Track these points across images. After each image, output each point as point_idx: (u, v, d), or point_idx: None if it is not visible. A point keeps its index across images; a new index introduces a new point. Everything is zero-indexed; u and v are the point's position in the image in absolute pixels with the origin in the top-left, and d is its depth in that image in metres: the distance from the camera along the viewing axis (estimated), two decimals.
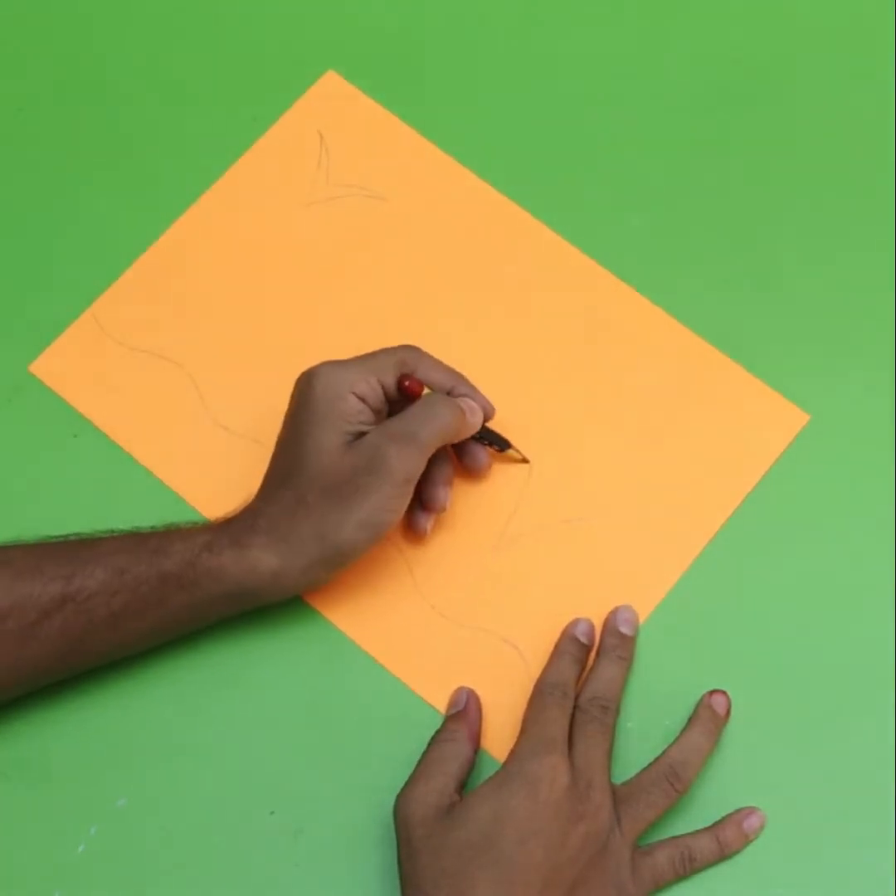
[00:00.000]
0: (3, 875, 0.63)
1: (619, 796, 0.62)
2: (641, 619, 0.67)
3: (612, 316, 0.72)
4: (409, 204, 0.75)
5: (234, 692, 0.66)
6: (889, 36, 0.78)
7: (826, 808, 0.64)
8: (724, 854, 0.63)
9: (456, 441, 0.65)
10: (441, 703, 0.66)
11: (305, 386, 0.64)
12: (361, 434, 0.63)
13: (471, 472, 0.68)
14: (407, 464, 0.62)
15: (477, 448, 0.68)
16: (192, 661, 0.67)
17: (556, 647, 0.66)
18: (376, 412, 0.64)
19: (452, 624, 0.67)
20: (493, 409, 0.67)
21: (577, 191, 0.75)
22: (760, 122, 0.76)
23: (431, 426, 0.63)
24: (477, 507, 0.69)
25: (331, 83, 0.78)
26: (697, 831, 0.63)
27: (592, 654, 0.66)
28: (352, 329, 0.72)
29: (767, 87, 0.77)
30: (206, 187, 0.75)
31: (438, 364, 0.66)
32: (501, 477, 0.69)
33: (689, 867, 0.62)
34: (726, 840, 0.63)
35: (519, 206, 0.75)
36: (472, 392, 0.66)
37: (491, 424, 0.68)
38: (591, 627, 0.66)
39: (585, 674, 0.65)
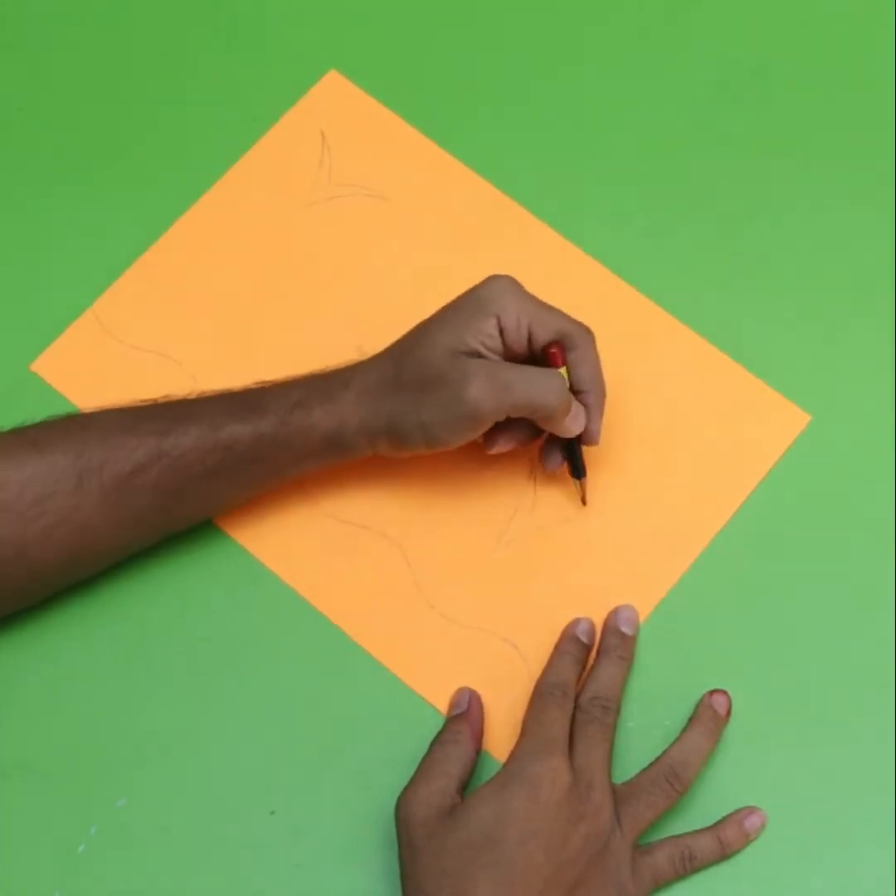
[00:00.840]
0: (3, 875, 0.63)
1: (620, 796, 0.62)
2: (641, 619, 0.67)
3: (612, 315, 0.72)
4: (411, 203, 0.75)
5: (235, 692, 0.66)
6: (889, 36, 0.78)
7: (826, 808, 0.64)
8: (724, 853, 0.63)
9: (543, 425, 0.65)
10: (441, 703, 0.66)
11: (480, 284, 0.64)
12: (478, 354, 0.63)
13: (534, 465, 0.68)
14: (483, 403, 0.62)
15: (557, 455, 0.67)
16: (192, 661, 0.67)
17: (557, 646, 0.66)
18: (507, 349, 0.64)
19: (452, 624, 0.67)
20: (596, 439, 0.66)
21: (578, 190, 0.75)
22: (761, 122, 0.76)
23: (530, 393, 0.62)
24: (477, 507, 0.69)
25: (333, 82, 0.78)
26: (698, 830, 0.63)
27: (593, 653, 0.66)
28: (353, 329, 0.72)
29: (767, 87, 0.77)
30: (208, 187, 0.75)
31: (595, 363, 0.65)
32: (502, 477, 0.69)
33: (689, 866, 0.62)
34: (727, 839, 0.63)
35: (520, 206, 0.75)
36: (597, 409, 0.66)
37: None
38: (592, 627, 0.66)
39: (586, 674, 0.65)
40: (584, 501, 0.69)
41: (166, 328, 0.73)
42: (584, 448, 0.67)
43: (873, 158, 0.75)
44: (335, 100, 0.77)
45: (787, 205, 0.75)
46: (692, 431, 0.70)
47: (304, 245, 0.75)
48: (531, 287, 0.65)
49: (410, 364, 0.63)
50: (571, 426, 0.65)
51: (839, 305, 0.73)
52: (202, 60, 0.79)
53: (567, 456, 0.67)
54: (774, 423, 0.70)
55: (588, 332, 0.65)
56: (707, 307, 0.72)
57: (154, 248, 0.74)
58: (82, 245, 0.75)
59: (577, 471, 0.67)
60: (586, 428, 0.66)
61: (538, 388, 0.63)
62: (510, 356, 0.64)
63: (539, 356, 0.64)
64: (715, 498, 0.69)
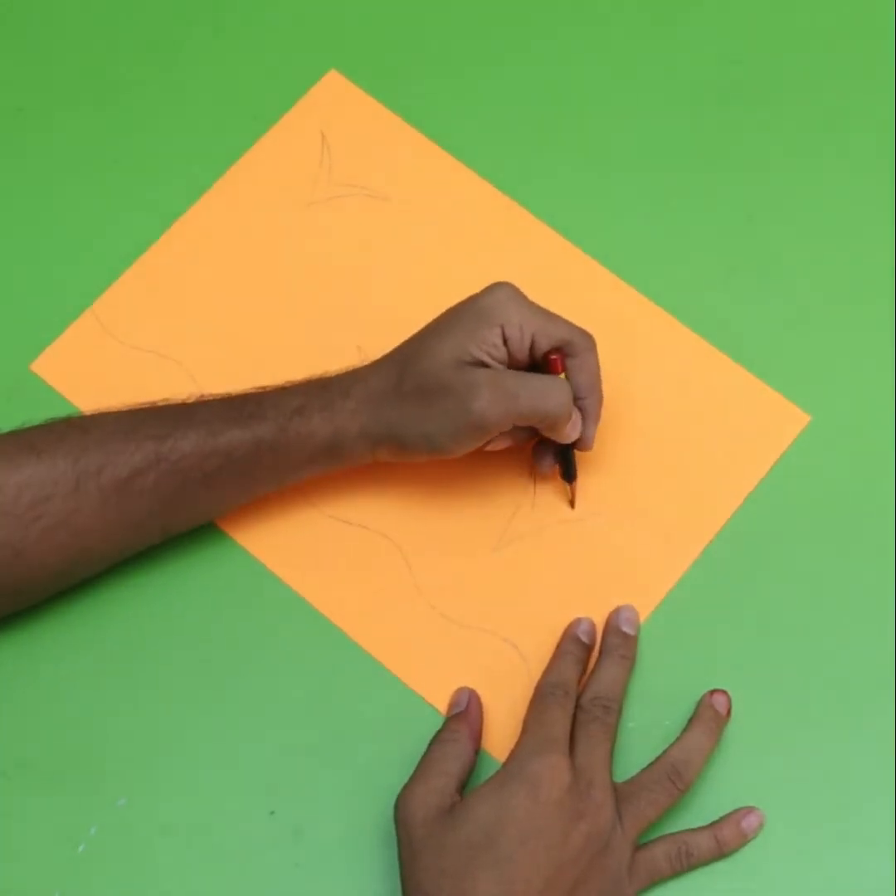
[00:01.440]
0: (3, 875, 0.63)
1: (621, 795, 0.62)
2: (642, 619, 0.67)
3: (612, 316, 0.72)
4: (411, 203, 0.75)
5: (235, 692, 0.66)
6: (889, 37, 0.78)
7: (826, 808, 0.64)
8: (722, 852, 0.63)
9: (544, 431, 0.65)
10: (441, 703, 0.66)
11: (481, 292, 0.64)
12: (482, 364, 0.63)
13: (532, 466, 0.69)
14: (490, 414, 0.62)
15: (549, 458, 0.68)
16: (192, 662, 0.67)
17: (558, 647, 0.66)
18: (511, 357, 0.64)
19: (452, 624, 0.67)
20: (590, 444, 0.66)
21: (578, 190, 0.75)
22: (761, 121, 0.76)
23: (536, 403, 0.62)
24: (477, 508, 0.69)
25: (333, 82, 0.78)
26: (696, 828, 0.63)
27: (594, 654, 0.66)
28: (353, 329, 0.72)
29: (767, 87, 0.77)
30: (208, 187, 0.75)
31: (595, 370, 0.65)
32: (502, 477, 0.69)
33: (686, 863, 0.62)
34: (724, 839, 0.63)
35: (520, 206, 0.75)
36: (593, 416, 0.66)
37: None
38: (593, 627, 0.66)
39: (587, 674, 0.65)
40: (572, 504, 0.69)
41: (166, 328, 0.73)
42: (577, 452, 0.67)
43: (873, 158, 0.75)
44: (335, 100, 0.77)
45: (788, 205, 0.75)
46: (692, 432, 0.70)
47: (304, 245, 0.75)
48: (531, 288, 0.65)
49: (413, 373, 0.63)
50: (570, 433, 0.65)
51: (839, 305, 0.73)
52: (202, 60, 0.79)
53: (560, 459, 0.68)
54: (774, 423, 0.70)
55: (590, 339, 0.65)
56: (707, 307, 0.72)
57: (154, 248, 0.74)
58: (82, 245, 0.75)
59: (569, 475, 0.68)
60: (581, 434, 0.66)
61: (544, 397, 0.63)
62: (513, 364, 0.64)
63: (540, 362, 0.64)
64: (715, 498, 0.69)
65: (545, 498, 0.69)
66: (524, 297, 0.64)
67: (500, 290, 0.64)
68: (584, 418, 0.65)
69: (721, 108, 0.77)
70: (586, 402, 0.65)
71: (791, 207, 0.74)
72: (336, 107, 0.77)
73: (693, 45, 0.78)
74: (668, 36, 0.78)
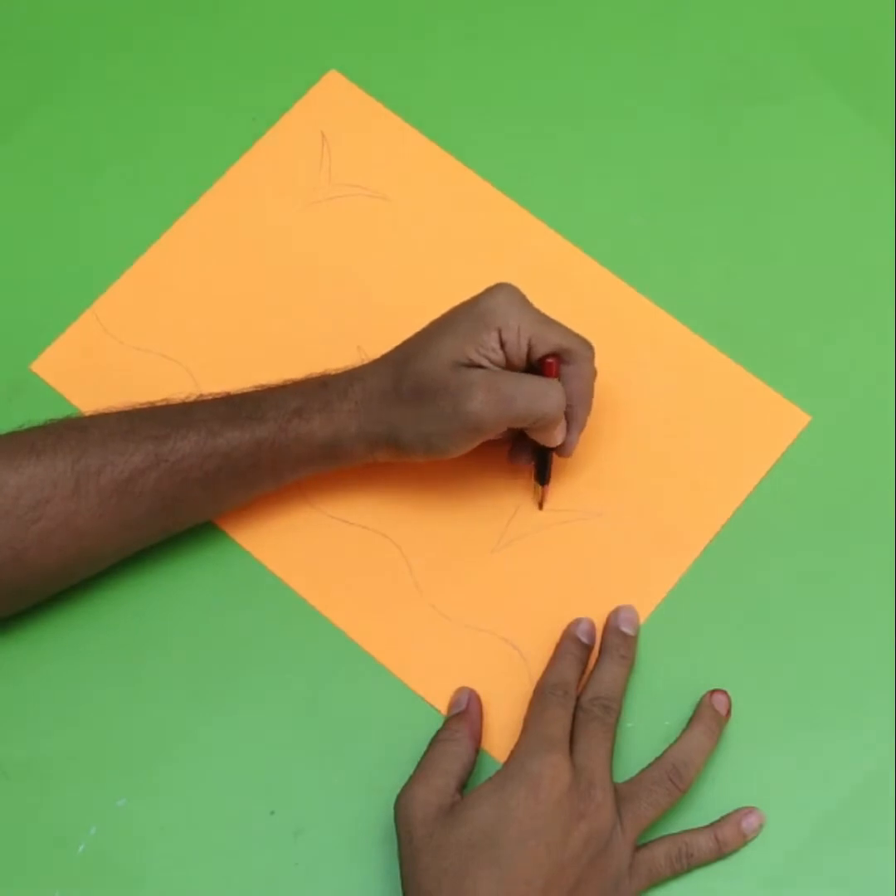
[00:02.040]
0: (3, 875, 0.63)
1: (621, 795, 0.62)
2: (642, 620, 0.67)
3: (612, 316, 0.72)
4: (411, 203, 0.75)
5: (235, 692, 0.66)
6: (889, 36, 0.78)
7: (826, 808, 0.64)
8: (722, 852, 0.63)
9: (532, 432, 0.65)
10: (441, 703, 0.66)
11: (481, 294, 0.64)
12: (479, 366, 0.63)
13: (507, 460, 0.69)
14: (485, 415, 0.62)
15: (526, 456, 0.68)
16: (192, 662, 0.67)
17: (558, 646, 0.66)
18: (508, 361, 0.64)
19: (452, 624, 0.67)
20: (570, 452, 0.66)
21: (578, 190, 0.75)
22: (760, 121, 0.76)
23: (531, 406, 0.62)
24: (477, 508, 0.69)
25: (333, 82, 0.78)
26: (696, 829, 0.63)
27: (594, 654, 0.66)
28: (353, 329, 0.72)
29: (767, 87, 0.77)
30: (208, 187, 0.75)
31: (589, 378, 0.65)
32: (502, 477, 0.69)
33: (686, 863, 0.62)
34: (724, 839, 0.63)
35: (520, 206, 0.75)
36: (578, 424, 0.66)
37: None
38: (593, 627, 0.66)
39: (587, 675, 0.65)
40: (540, 506, 0.69)
41: (166, 328, 0.73)
42: (558, 457, 0.67)
43: (873, 158, 0.75)
44: (335, 100, 0.77)
45: (787, 205, 0.75)
46: (692, 432, 0.70)
47: (304, 245, 0.75)
48: (531, 288, 0.65)
49: (411, 373, 0.63)
50: (555, 438, 0.65)
51: (839, 305, 0.73)
52: (203, 60, 0.79)
53: (536, 461, 0.67)
54: (774, 423, 0.70)
55: (588, 347, 0.65)
56: (707, 307, 0.73)
57: (154, 248, 0.74)
58: (82, 245, 0.75)
59: (543, 477, 0.68)
60: (564, 440, 0.66)
61: (539, 399, 0.63)
62: (509, 367, 0.64)
63: (536, 365, 0.64)
64: (714, 498, 0.69)
65: (545, 498, 0.69)
66: (524, 301, 0.64)
67: (501, 292, 0.64)
68: (569, 425, 0.65)
69: (721, 108, 0.77)
70: (575, 409, 0.65)
71: (791, 207, 0.74)
72: (336, 107, 0.77)
73: (693, 45, 0.78)
74: (668, 36, 0.79)
